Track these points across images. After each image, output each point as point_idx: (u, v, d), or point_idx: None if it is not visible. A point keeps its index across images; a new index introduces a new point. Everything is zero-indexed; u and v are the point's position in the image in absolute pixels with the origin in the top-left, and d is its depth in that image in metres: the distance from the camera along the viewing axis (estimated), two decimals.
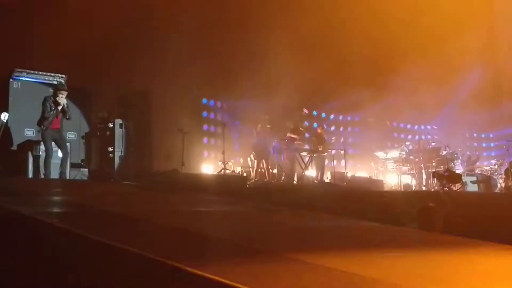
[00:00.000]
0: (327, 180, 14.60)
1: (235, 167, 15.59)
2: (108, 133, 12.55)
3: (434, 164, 14.49)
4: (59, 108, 9.67)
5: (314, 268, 2.39)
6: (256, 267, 2.41)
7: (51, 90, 10.06)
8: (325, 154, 14.88)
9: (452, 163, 14.72)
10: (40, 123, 9.59)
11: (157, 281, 2.26)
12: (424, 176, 14.65)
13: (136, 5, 14.16)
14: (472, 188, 14.50)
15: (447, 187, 12.00)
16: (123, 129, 12.39)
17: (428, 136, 17.66)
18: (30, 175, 9.98)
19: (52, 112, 9.60)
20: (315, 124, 15.92)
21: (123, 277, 2.46)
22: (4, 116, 10.62)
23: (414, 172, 15.04)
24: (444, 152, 14.94)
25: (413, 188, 14.59)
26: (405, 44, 17.14)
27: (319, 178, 14.40)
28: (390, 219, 6.08)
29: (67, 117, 9.93)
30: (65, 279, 2.80)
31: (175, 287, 2.16)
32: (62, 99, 9.72)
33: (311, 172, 14.52)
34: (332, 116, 19.97)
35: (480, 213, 7.83)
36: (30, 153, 10.22)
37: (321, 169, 14.62)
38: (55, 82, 10.92)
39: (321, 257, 2.70)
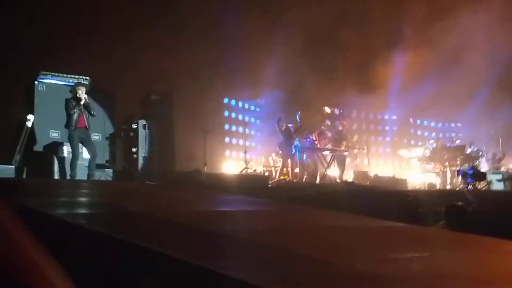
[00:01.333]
0: (349, 180, 14.49)
1: (257, 167, 15.61)
2: (131, 134, 12.70)
3: (458, 162, 14.30)
4: (82, 103, 9.71)
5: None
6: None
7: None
8: (346, 153, 14.74)
9: (477, 161, 14.52)
10: (67, 124, 9.69)
11: (183, 283, 2.28)
12: (448, 174, 14.46)
13: (160, 6, 14.29)
14: (498, 186, 14.28)
15: (472, 186, 11.81)
16: (147, 130, 12.50)
17: (453, 134, 17.45)
18: (56, 177, 10.12)
19: (75, 110, 9.68)
20: (337, 122, 15.78)
21: (148, 277, 2.49)
22: (30, 118, 10.81)
23: (439, 170, 14.86)
24: (469, 150, 14.73)
25: (438, 187, 14.41)
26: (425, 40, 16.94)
27: (341, 177, 14.30)
28: (415, 219, 6.03)
29: (92, 113, 9.97)
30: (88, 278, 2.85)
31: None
32: (82, 94, 9.78)
33: (333, 171, 14.42)
34: (354, 114, 19.82)
35: (506, 211, 7.72)
36: (55, 155, 10.37)
37: (341, 168, 14.53)
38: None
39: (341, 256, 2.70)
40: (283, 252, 2.77)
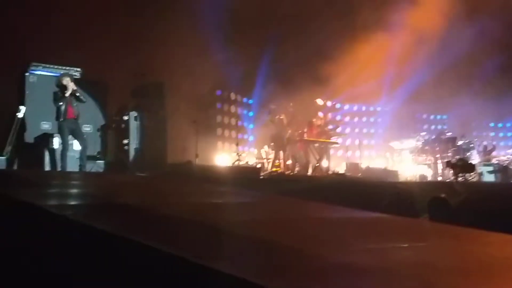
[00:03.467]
0: (341, 171, 14.57)
1: (250, 159, 15.66)
2: (123, 125, 12.68)
3: (450, 154, 14.40)
4: (67, 92, 9.63)
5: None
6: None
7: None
8: (329, 144, 14.74)
9: (469, 153, 14.63)
10: (57, 117, 9.68)
11: (169, 275, 2.31)
12: (440, 166, 14.57)
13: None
14: (489, 178, 14.39)
15: (461, 177, 11.92)
16: (138, 121, 12.49)
17: (444, 126, 17.55)
18: (47, 168, 10.11)
19: (61, 101, 9.61)
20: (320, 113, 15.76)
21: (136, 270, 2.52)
22: (21, 109, 10.79)
23: (430, 162, 14.96)
24: (460, 142, 14.83)
25: (429, 178, 14.52)
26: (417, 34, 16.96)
27: (328, 168, 14.34)
28: (402, 210, 6.09)
29: (81, 99, 9.86)
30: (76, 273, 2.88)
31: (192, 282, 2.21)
32: (68, 83, 9.70)
33: (324, 163, 14.48)
34: (346, 106, 19.88)
35: (494, 203, 7.80)
36: (46, 146, 10.37)
37: (327, 159, 14.54)
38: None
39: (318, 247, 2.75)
40: (263, 243, 2.81)
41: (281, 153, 13.78)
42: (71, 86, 9.74)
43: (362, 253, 2.61)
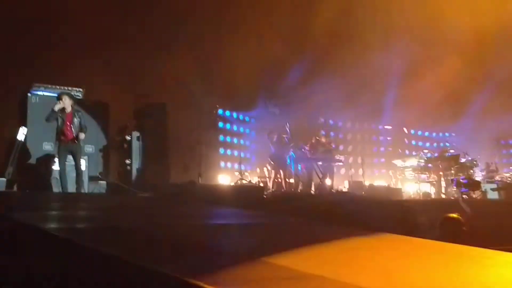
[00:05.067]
0: (344, 189, 14.49)
1: (252, 177, 15.58)
2: (125, 145, 12.63)
3: (453, 171, 14.30)
4: (56, 108, 9.48)
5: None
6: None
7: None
8: (332, 162, 14.71)
9: (472, 171, 14.52)
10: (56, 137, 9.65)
11: None
12: (443, 184, 14.46)
13: (152, 20, 14.32)
14: (493, 195, 14.28)
15: (466, 195, 11.81)
16: (140, 142, 12.44)
17: (447, 144, 17.47)
18: (49, 189, 10.03)
19: (50, 118, 9.51)
20: (322, 132, 15.73)
21: None
22: (23, 130, 10.73)
23: (433, 180, 14.86)
24: (463, 160, 14.75)
25: (432, 196, 14.40)
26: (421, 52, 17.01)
27: (332, 186, 14.30)
28: (409, 228, 6.01)
29: (81, 126, 9.74)
30: None
31: None
32: (61, 103, 9.59)
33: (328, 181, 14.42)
34: (348, 124, 19.85)
35: (501, 221, 7.70)
36: (47, 168, 10.31)
37: (330, 178, 14.53)
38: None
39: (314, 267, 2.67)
40: (266, 266, 2.73)
41: (281, 172, 13.76)
42: (61, 107, 9.63)
43: (379, 277, 2.53)
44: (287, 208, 8.28)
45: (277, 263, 2.74)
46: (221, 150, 16.49)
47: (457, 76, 16.90)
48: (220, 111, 16.73)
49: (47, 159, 10.52)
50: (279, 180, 13.75)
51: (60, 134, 9.51)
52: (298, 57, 16.15)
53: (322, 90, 16.79)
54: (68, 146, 9.60)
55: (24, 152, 10.86)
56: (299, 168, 14.22)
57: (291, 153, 13.85)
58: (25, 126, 10.95)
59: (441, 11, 15.61)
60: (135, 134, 12.47)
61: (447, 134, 20.97)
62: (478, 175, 15.20)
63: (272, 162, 14.00)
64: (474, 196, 12.71)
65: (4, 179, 10.16)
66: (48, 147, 10.61)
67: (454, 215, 6.07)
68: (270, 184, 13.99)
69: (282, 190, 13.41)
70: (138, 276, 2.53)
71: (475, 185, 12.57)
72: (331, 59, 16.33)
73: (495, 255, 3.49)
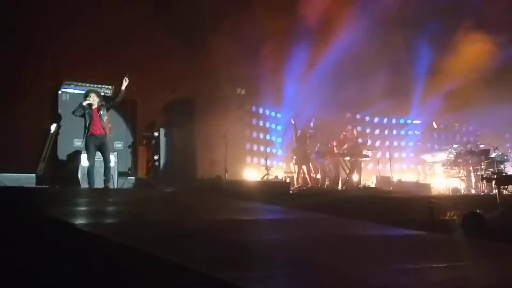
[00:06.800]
0: (372, 185, 14.39)
1: (278, 173, 15.59)
2: (153, 141, 12.80)
3: (483, 166, 14.05)
4: (85, 104, 9.68)
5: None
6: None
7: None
8: (359, 158, 14.62)
9: (502, 165, 14.23)
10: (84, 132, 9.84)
11: None
12: (473, 179, 14.23)
13: (182, 15, 14.40)
14: None
15: (497, 190, 11.57)
16: (168, 137, 12.59)
17: (477, 138, 17.12)
18: (78, 185, 10.23)
19: (77, 112, 9.72)
20: (349, 127, 15.62)
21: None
22: (53, 127, 10.98)
23: (463, 175, 14.63)
24: (494, 154, 14.46)
25: (462, 192, 14.18)
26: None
27: (359, 182, 14.23)
28: (436, 226, 5.95)
29: (111, 104, 10.00)
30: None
31: None
32: (89, 99, 9.77)
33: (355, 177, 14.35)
34: (376, 119, 19.64)
35: None
36: (77, 163, 10.52)
37: (359, 173, 14.47)
38: (102, 93, 11.12)
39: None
40: (298, 264, 2.75)
41: (304, 167, 13.77)
42: (96, 101, 9.82)
43: (401, 274, 2.53)
44: (314, 203, 8.29)
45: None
46: (248, 145, 16.53)
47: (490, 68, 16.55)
48: (247, 106, 16.74)
49: (77, 155, 10.74)
50: (304, 175, 13.75)
51: (88, 130, 9.69)
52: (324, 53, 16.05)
53: (350, 85, 16.68)
54: (95, 139, 9.72)
55: (55, 148, 11.12)
56: (326, 163, 14.16)
57: (317, 148, 13.84)
58: (56, 123, 11.20)
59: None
60: (163, 130, 12.63)
61: (477, 128, 20.52)
62: (510, 170, 14.87)
63: (294, 157, 14.03)
64: (505, 192, 12.44)
65: (34, 175, 10.40)
66: (78, 143, 10.80)
67: (476, 211, 5.96)
68: (295, 179, 13.99)
69: (308, 186, 13.40)
70: (162, 270, 2.58)
71: (508, 179, 12.27)
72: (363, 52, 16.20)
73: None
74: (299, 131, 13.89)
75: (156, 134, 12.73)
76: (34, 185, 10.00)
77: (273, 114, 17.54)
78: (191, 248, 3.16)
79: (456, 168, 14.87)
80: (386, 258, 3.08)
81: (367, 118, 19.43)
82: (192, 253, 2.93)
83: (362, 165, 15.07)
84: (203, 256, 2.88)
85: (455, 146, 15.86)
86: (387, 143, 17.66)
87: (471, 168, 14.31)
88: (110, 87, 12.12)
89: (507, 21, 15.34)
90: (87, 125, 9.67)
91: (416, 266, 2.77)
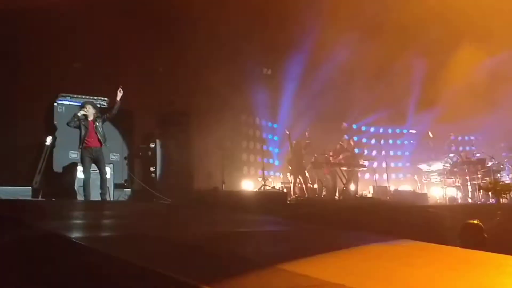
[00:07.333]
0: (369, 195, 14.39)
1: (275, 183, 15.57)
2: (149, 153, 12.76)
3: (479, 176, 14.08)
4: (80, 114, 9.70)
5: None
6: None
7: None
8: (356, 167, 14.64)
9: (499, 175, 14.27)
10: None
11: None
12: (469, 188, 14.25)
13: (176, 27, 14.42)
14: None
15: (494, 200, 11.60)
16: (164, 149, 12.56)
17: (473, 147, 17.20)
18: (74, 198, 10.17)
19: (71, 123, 9.72)
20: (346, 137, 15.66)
21: None
22: (49, 139, 10.93)
23: (459, 184, 14.65)
24: (490, 163, 14.50)
25: (459, 201, 14.19)
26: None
27: (356, 191, 14.26)
28: (434, 235, 5.93)
29: (107, 116, 10.02)
30: None
31: None
32: (85, 110, 9.80)
33: (352, 187, 14.37)
34: (372, 129, 19.69)
35: None
36: (73, 176, 10.47)
37: (356, 183, 14.52)
38: (98, 105, 11.10)
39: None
40: (284, 274, 2.74)
41: (300, 177, 13.76)
42: (91, 113, 9.83)
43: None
44: (311, 214, 8.26)
45: (296, 271, 2.75)
46: (244, 156, 16.51)
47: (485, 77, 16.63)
48: (242, 117, 16.75)
49: (73, 167, 10.69)
50: (299, 185, 13.75)
51: (83, 142, 9.66)
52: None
53: (347, 96, 16.75)
54: (91, 152, 9.69)
55: (51, 161, 11.06)
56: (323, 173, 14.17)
57: (313, 159, 13.87)
58: (52, 135, 11.16)
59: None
60: (159, 141, 12.60)
61: (472, 137, 20.58)
62: (506, 179, 14.90)
63: (289, 167, 14.05)
64: (502, 200, 12.45)
65: (29, 187, 10.34)
66: (74, 155, 10.78)
67: (474, 221, 5.95)
68: (292, 190, 13.97)
69: (305, 196, 13.38)
70: (154, 281, 2.56)
71: (505, 189, 12.29)
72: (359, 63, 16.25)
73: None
74: (293, 142, 13.90)
75: (152, 145, 12.70)
76: (30, 198, 9.94)
77: (269, 124, 17.56)
78: (191, 261, 3.14)
79: (453, 177, 14.90)
80: (388, 271, 3.06)
81: (363, 128, 19.49)
82: (191, 266, 2.91)
83: (359, 175, 15.09)
84: (193, 267, 2.87)
85: (451, 155, 15.89)
86: (383, 152, 17.66)
87: (467, 177, 14.34)
88: (106, 99, 12.10)
89: (502, 32, 15.40)
90: (82, 137, 9.65)
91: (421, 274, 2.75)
